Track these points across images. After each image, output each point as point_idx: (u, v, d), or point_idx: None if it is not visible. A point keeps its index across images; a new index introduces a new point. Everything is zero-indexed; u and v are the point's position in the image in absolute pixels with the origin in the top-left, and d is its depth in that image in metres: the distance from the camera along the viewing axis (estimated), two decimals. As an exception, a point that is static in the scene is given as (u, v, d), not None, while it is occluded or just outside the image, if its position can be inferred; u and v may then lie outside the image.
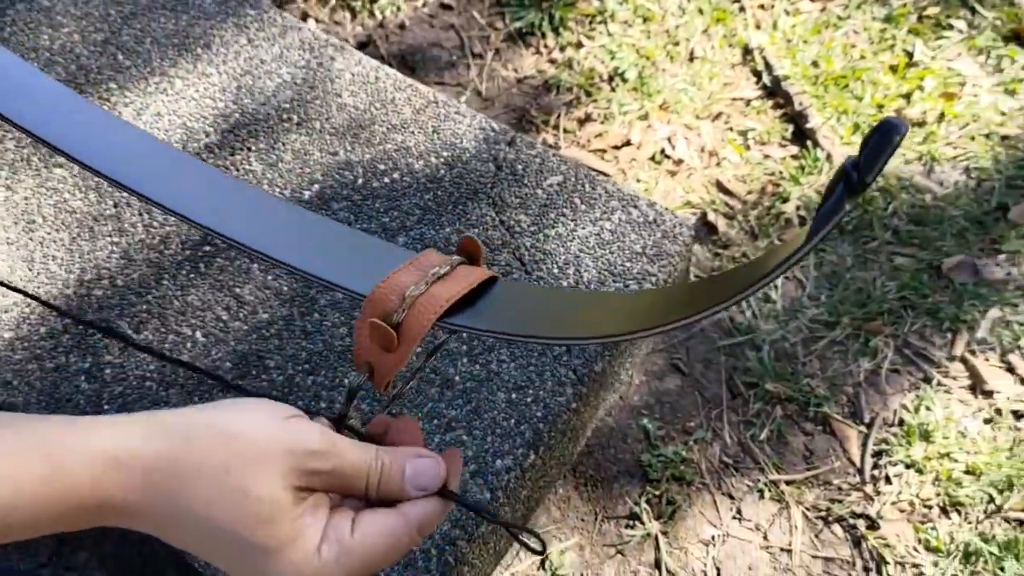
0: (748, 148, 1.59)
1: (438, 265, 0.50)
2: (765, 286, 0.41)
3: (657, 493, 1.23)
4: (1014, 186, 1.49)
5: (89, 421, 0.42)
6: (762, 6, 1.78)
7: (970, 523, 1.19)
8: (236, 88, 1.29)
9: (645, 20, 1.76)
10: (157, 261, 1.11)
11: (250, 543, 0.41)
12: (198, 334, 1.05)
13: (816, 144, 1.56)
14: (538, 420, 1.00)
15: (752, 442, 1.27)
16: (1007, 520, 1.19)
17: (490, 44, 1.77)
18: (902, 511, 1.21)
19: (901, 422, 1.28)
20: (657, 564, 1.18)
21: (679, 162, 1.57)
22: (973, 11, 1.72)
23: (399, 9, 1.83)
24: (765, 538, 1.20)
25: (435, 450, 0.95)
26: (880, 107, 1.60)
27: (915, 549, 1.18)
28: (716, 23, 1.75)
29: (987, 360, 1.32)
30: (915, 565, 1.16)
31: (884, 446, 1.26)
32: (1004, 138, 1.56)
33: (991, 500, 1.20)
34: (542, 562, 1.17)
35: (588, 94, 1.67)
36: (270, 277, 1.09)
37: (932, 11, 1.73)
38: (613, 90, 1.67)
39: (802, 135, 1.59)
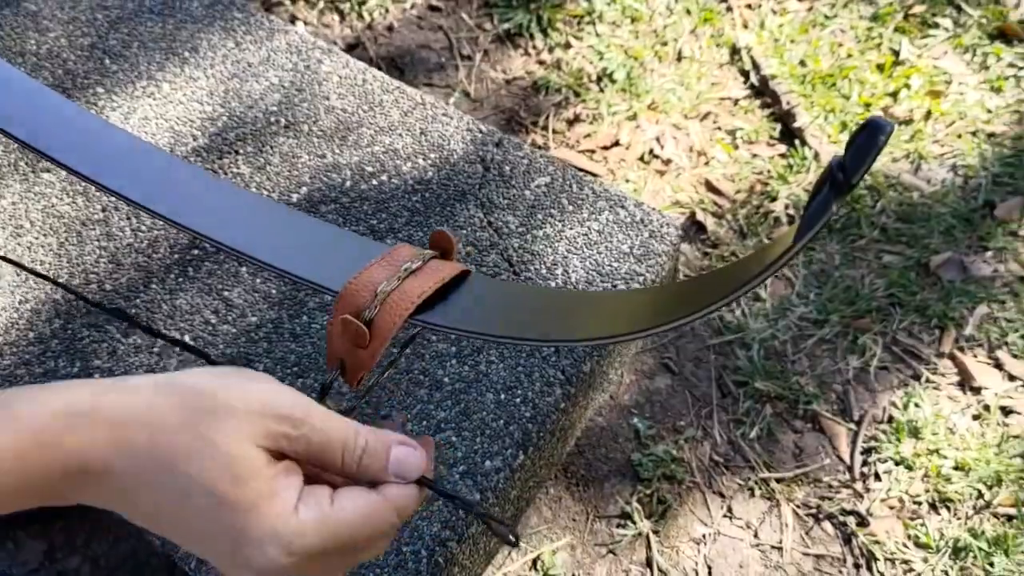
0: (736, 147, 1.59)
1: (410, 260, 0.49)
2: (754, 287, 0.40)
3: (648, 492, 1.23)
4: (1000, 183, 1.50)
5: (56, 384, 0.40)
6: (749, 6, 1.79)
7: (959, 519, 1.19)
8: (224, 92, 1.29)
9: (633, 20, 1.77)
10: (145, 265, 1.11)
11: (224, 500, 0.39)
12: (187, 337, 1.05)
13: (804, 143, 1.56)
14: (527, 420, 1.00)
15: (742, 440, 1.28)
16: (996, 516, 1.19)
17: (479, 45, 1.78)
18: (892, 508, 1.21)
19: (890, 419, 1.28)
20: (648, 563, 1.18)
21: (668, 162, 1.57)
22: (959, 9, 1.73)
23: (387, 11, 1.83)
24: (756, 536, 1.21)
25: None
26: (867, 105, 1.61)
27: (905, 545, 1.18)
28: (704, 23, 1.76)
29: (975, 357, 1.33)
30: (905, 561, 1.17)
31: (873, 443, 1.26)
32: (990, 135, 1.56)
33: (980, 496, 1.21)
34: (534, 562, 1.18)
35: (577, 95, 1.67)
36: (259, 280, 1.09)
37: (918, 9, 1.74)
38: (602, 91, 1.67)
39: (790, 134, 1.60)
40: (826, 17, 1.75)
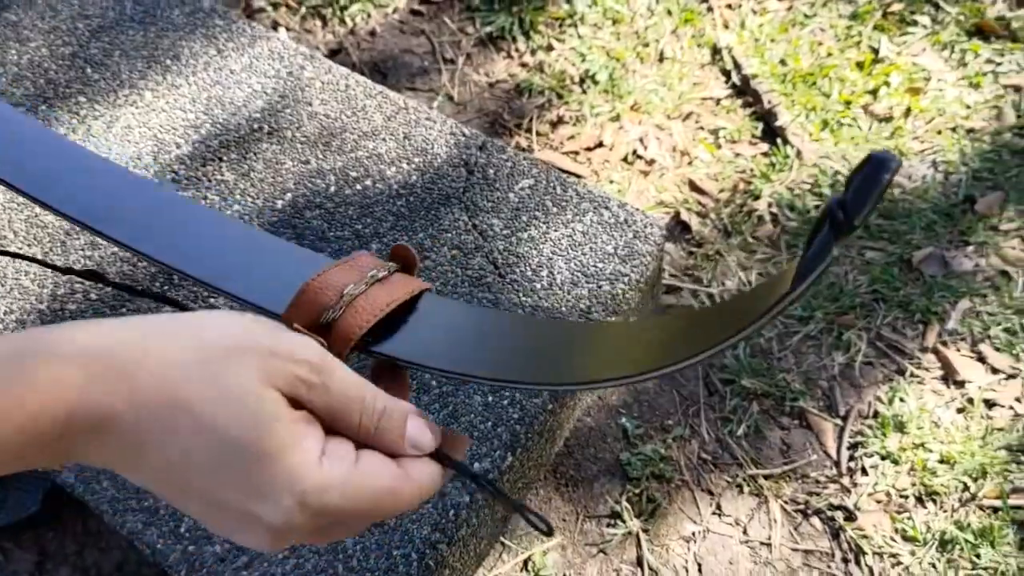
0: (719, 147, 1.60)
1: (375, 268, 0.45)
2: (748, 335, 0.37)
3: (637, 491, 1.24)
4: (980, 178, 1.51)
5: (58, 326, 0.37)
6: (729, 6, 1.80)
7: (945, 512, 1.21)
8: (206, 99, 1.28)
9: (614, 22, 1.77)
10: (131, 273, 1.11)
11: (240, 447, 0.35)
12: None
13: (786, 141, 1.58)
14: (515, 422, 1.01)
15: (730, 438, 1.28)
16: (981, 508, 1.20)
17: (461, 49, 1.78)
18: (879, 502, 1.22)
19: (876, 414, 1.29)
20: (639, 562, 1.19)
21: (651, 162, 1.58)
22: (936, 7, 1.75)
23: (369, 16, 1.83)
24: (745, 533, 1.21)
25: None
26: (848, 103, 1.62)
27: (892, 539, 1.19)
28: (684, 24, 1.77)
29: (958, 350, 1.34)
30: (893, 555, 1.18)
31: (860, 438, 1.27)
32: (969, 131, 1.58)
33: (966, 488, 1.22)
34: (524, 563, 1.18)
35: (560, 97, 1.68)
36: (244, 287, 1.09)
37: (896, 7, 1.75)
38: (584, 92, 1.68)
39: (772, 133, 1.61)
40: (806, 16, 1.76)
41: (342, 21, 1.83)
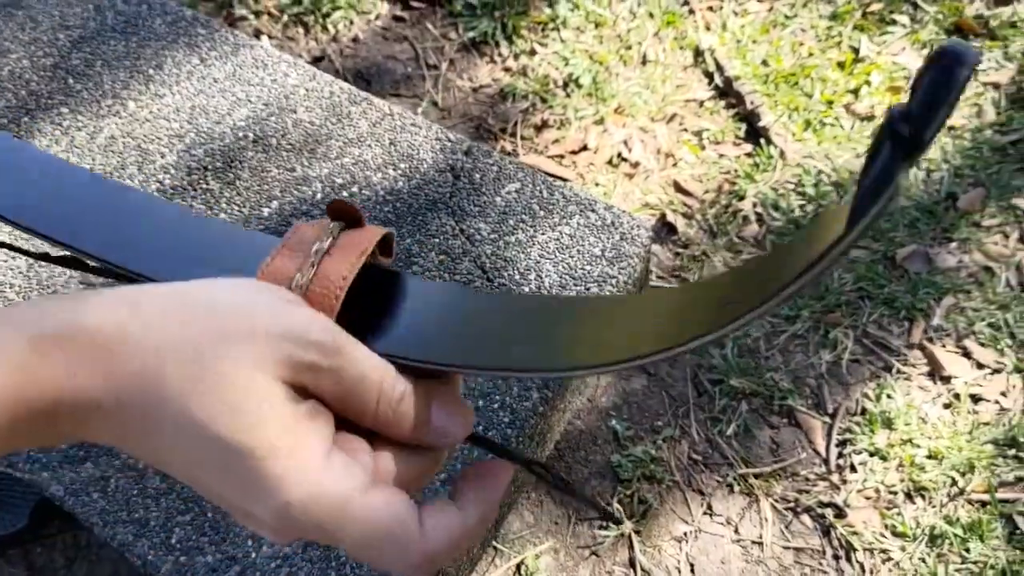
0: (703, 148, 1.61)
1: (317, 239, 0.40)
2: (795, 293, 0.31)
3: (629, 493, 1.24)
4: (961, 175, 1.53)
5: (44, 299, 0.33)
6: (711, 8, 1.81)
7: (934, 507, 1.21)
8: (190, 108, 1.28)
9: (597, 25, 1.78)
10: (114, 284, 1.10)
11: (231, 446, 0.31)
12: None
13: (769, 141, 1.58)
14: (506, 426, 1.01)
15: (720, 438, 1.29)
16: (970, 502, 1.21)
17: (444, 55, 1.78)
18: (868, 498, 1.23)
19: (864, 411, 1.30)
20: (631, 563, 1.19)
21: (636, 164, 1.59)
22: (915, 6, 1.76)
23: (352, 23, 1.83)
24: (736, 532, 1.22)
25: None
26: (830, 103, 1.63)
27: (882, 535, 1.20)
28: (667, 26, 1.78)
29: (944, 346, 1.35)
30: (883, 550, 1.18)
31: (848, 435, 1.28)
32: (950, 128, 1.59)
33: (954, 483, 1.23)
34: (518, 567, 1.18)
35: (544, 101, 1.68)
36: (232, 296, 1.09)
37: (876, 7, 1.77)
38: (568, 96, 1.68)
39: (755, 133, 1.61)
40: (786, 17, 1.78)
41: (324, 28, 1.82)
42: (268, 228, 1.15)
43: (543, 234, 1.15)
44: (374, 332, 0.39)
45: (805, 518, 1.23)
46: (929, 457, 1.25)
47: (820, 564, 1.19)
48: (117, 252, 0.44)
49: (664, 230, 1.52)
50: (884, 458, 1.25)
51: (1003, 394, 1.30)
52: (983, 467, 1.23)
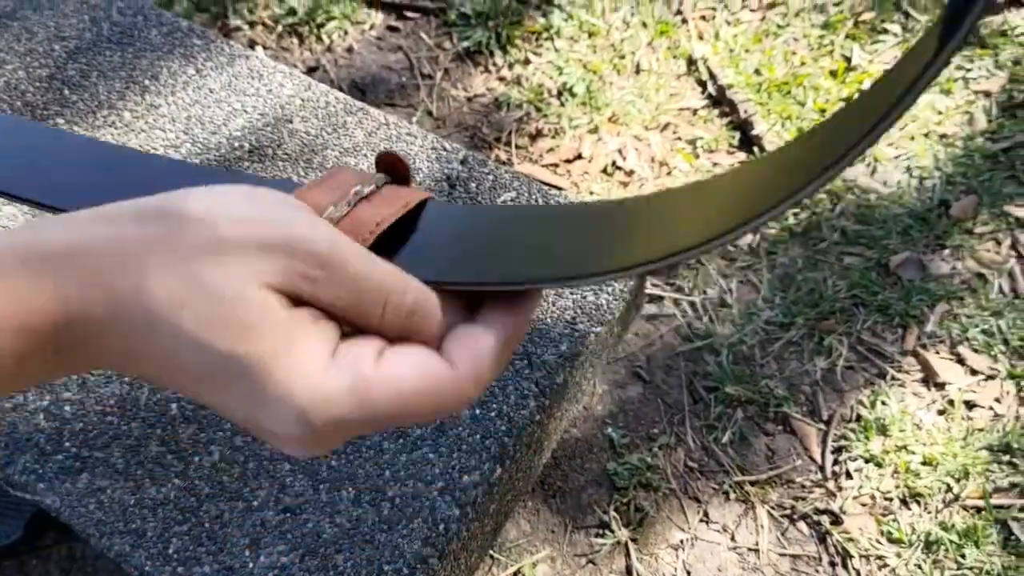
0: (697, 156, 1.62)
1: (360, 183, 0.38)
2: (891, 124, 0.28)
3: (625, 501, 1.24)
4: (953, 182, 1.54)
5: (22, 226, 0.32)
6: (704, 17, 1.82)
7: (930, 513, 1.22)
8: (186, 118, 1.28)
9: (591, 35, 1.79)
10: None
11: (231, 356, 0.30)
12: (158, 366, 1.04)
13: (763, 150, 1.59)
14: (503, 434, 1.01)
15: (715, 445, 1.29)
16: (965, 508, 1.22)
17: (439, 64, 1.79)
18: (864, 505, 1.23)
19: (858, 418, 1.31)
20: (628, 571, 1.19)
21: (630, 173, 1.59)
22: (906, 15, 1.77)
23: (346, 33, 1.84)
24: (733, 539, 1.22)
25: (402, 469, 0.96)
26: (823, 111, 1.64)
27: (878, 541, 1.20)
28: (660, 35, 1.79)
29: (938, 353, 1.36)
30: (879, 557, 1.19)
31: (843, 442, 1.29)
32: (942, 136, 1.60)
33: (949, 489, 1.23)
34: (515, 575, 1.18)
35: (538, 110, 1.69)
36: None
37: (867, 16, 1.78)
38: (563, 105, 1.69)
39: (748, 141, 1.62)
40: (779, 26, 1.79)
41: (319, 39, 1.83)
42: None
43: (539, 243, 1.16)
44: (409, 264, 0.36)
45: (801, 525, 1.23)
46: (924, 463, 1.25)
47: (816, 571, 1.19)
48: (26, 186, 0.42)
49: (659, 238, 1.52)
50: (879, 464, 1.26)
51: (997, 400, 1.30)
52: (978, 473, 1.23)
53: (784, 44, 1.76)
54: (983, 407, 1.30)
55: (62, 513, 0.95)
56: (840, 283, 1.43)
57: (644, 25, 1.80)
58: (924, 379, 1.34)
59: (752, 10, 1.82)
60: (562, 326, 1.08)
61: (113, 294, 0.30)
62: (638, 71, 1.74)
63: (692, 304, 1.43)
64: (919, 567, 1.17)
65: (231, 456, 0.97)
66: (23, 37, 1.38)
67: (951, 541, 1.18)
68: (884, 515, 1.22)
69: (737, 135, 1.64)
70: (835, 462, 1.27)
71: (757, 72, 1.71)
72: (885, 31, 1.75)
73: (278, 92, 1.32)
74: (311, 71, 1.78)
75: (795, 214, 1.51)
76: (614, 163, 1.60)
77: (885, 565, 1.18)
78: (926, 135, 1.60)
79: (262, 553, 0.92)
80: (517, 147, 1.65)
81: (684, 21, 1.81)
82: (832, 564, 1.20)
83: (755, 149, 1.60)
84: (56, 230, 0.31)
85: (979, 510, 1.21)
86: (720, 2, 1.83)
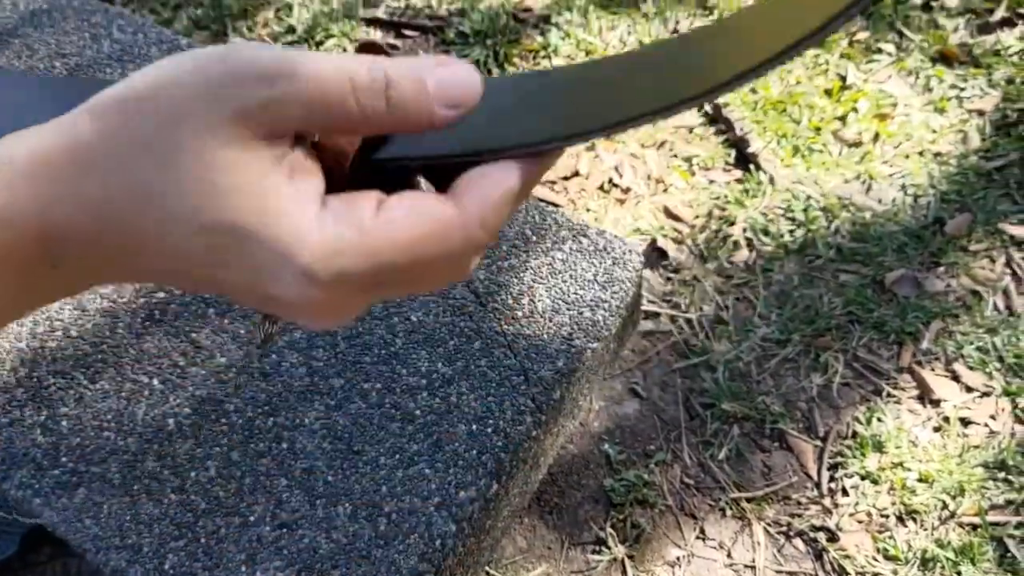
0: (693, 174, 1.63)
1: None
2: None
3: (621, 517, 1.24)
4: (948, 200, 1.54)
5: None
6: (700, 36, 1.84)
7: (926, 530, 1.22)
8: (185, 135, 1.29)
9: (587, 54, 1.80)
10: (111, 310, 1.11)
11: (219, 226, 0.28)
12: (155, 381, 1.05)
13: (758, 167, 1.60)
14: (500, 450, 1.01)
15: (712, 461, 1.29)
16: (961, 525, 1.22)
17: (437, 82, 1.80)
18: (860, 522, 1.23)
19: (854, 434, 1.31)
20: (624, 588, 1.19)
21: (627, 190, 1.60)
22: (900, 35, 1.79)
23: (345, 51, 1.85)
24: (729, 556, 1.22)
25: (398, 484, 0.96)
26: (818, 130, 1.65)
27: (874, 559, 1.20)
28: (656, 54, 1.80)
29: (933, 370, 1.36)
30: (876, 574, 1.19)
31: (839, 459, 1.29)
32: (936, 155, 1.61)
33: (945, 506, 1.23)
34: (510, 593, 1.18)
35: (535, 127, 1.70)
36: (226, 320, 1.09)
37: (862, 36, 1.79)
38: (559, 123, 1.70)
39: (744, 159, 1.63)
40: (774, 45, 1.80)
41: (318, 56, 1.84)
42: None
43: (536, 259, 1.16)
44: (419, 139, 0.33)
45: (797, 542, 1.23)
46: (920, 480, 1.25)
47: (813, 588, 1.19)
48: None
49: (655, 255, 1.53)
50: (875, 481, 1.26)
51: (992, 417, 1.31)
52: (973, 490, 1.23)
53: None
54: (978, 424, 1.30)
55: (58, 528, 0.95)
56: (836, 300, 1.44)
57: (641, 44, 1.81)
58: (920, 396, 1.34)
59: (748, 29, 1.84)
60: (559, 342, 1.09)
61: (86, 197, 0.29)
62: (635, 89, 1.75)
63: (688, 321, 1.44)
64: (915, 584, 1.17)
65: (227, 471, 0.97)
66: (24, 54, 1.39)
67: (947, 558, 1.18)
68: (880, 532, 1.22)
69: (733, 153, 1.65)
70: (831, 479, 1.27)
71: (753, 91, 1.72)
72: (879, 50, 1.77)
73: (277, 109, 1.33)
74: (310, 88, 1.79)
75: (790, 231, 1.52)
76: (611, 180, 1.61)
77: (881, 582, 1.18)
78: (920, 153, 1.62)
79: (258, 569, 0.92)
80: (514, 164, 1.65)
81: (680, 40, 1.83)
82: (828, 581, 1.20)
83: (751, 167, 1.61)
84: (13, 144, 0.29)
85: (975, 527, 1.21)
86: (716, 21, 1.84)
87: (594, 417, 1.33)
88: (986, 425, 1.30)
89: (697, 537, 1.23)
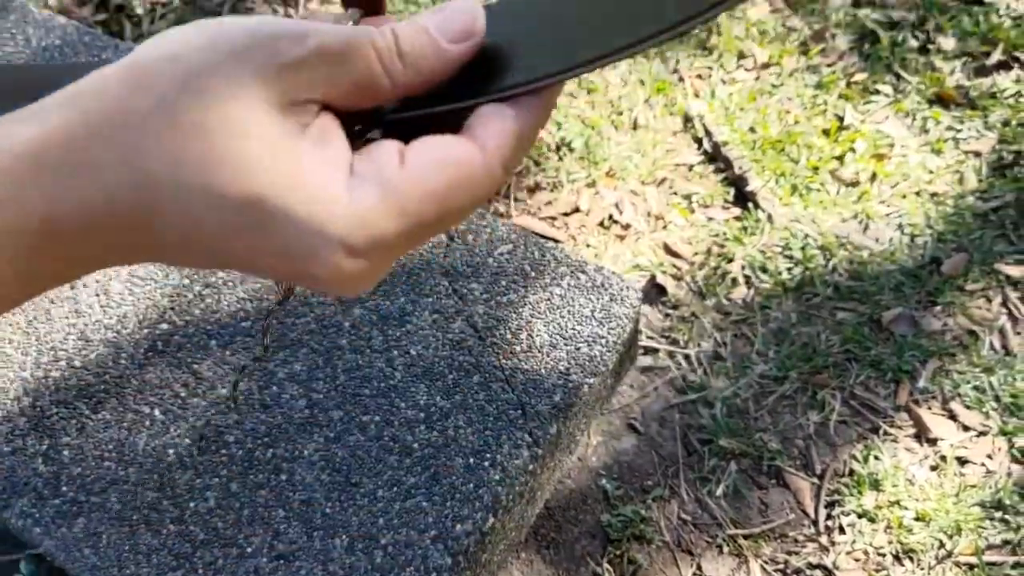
0: (692, 211, 1.64)
1: (335, 21, 0.35)
2: None
3: (618, 553, 1.24)
4: (944, 240, 1.56)
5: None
6: (699, 76, 1.86)
7: (923, 569, 1.22)
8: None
9: (589, 91, 1.83)
10: (114, 341, 1.12)
11: (244, 200, 0.27)
12: (156, 411, 1.06)
13: (757, 206, 1.62)
14: (496, 484, 1.02)
15: (709, 498, 1.30)
16: (958, 565, 1.22)
17: (440, 118, 1.82)
18: (857, 560, 1.23)
19: (851, 472, 1.31)
20: (621, 624, 1.19)
21: (627, 227, 1.62)
22: (898, 76, 1.82)
23: None
24: (725, 593, 1.22)
25: (395, 517, 0.96)
26: (816, 169, 1.67)
27: (871, 597, 1.20)
28: (657, 93, 1.83)
29: (930, 409, 1.37)
30: (872, 613, 1.19)
31: (836, 496, 1.29)
32: (933, 195, 1.63)
33: (942, 546, 1.23)
34: (506, 628, 1.18)
35: (537, 164, 1.72)
36: (228, 352, 1.11)
37: (859, 77, 1.82)
38: (561, 159, 1.72)
39: (743, 197, 1.65)
40: (773, 86, 1.83)
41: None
42: (260, 282, 1.17)
43: (534, 294, 1.18)
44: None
45: (794, 580, 1.23)
46: (917, 519, 1.25)
47: (809, 626, 1.19)
48: None
49: (654, 291, 1.55)
50: (872, 520, 1.26)
51: (989, 456, 1.31)
52: (970, 530, 1.23)
53: (778, 103, 1.80)
54: (975, 463, 1.31)
55: (57, 558, 0.95)
56: (833, 338, 1.45)
57: (642, 83, 1.84)
58: (916, 434, 1.35)
59: (747, 70, 1.87)
60: (556, 377, 1.10)
61: (99, 178, 0.27)
62: (635, 127, 1.78)
63: (687, 357, 1.45)
64: (912, 624, 1.17)
65: (226, 503, 0.97)
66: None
67: (944, 598, 1.18)
68: (877, 571, 1.22)
69: (732, 191, 1.66)
70: (828, 516, 1.28)
71: (752, 130, 1.74)
72: (877, 91, 1.79)
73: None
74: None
75: (788, 269, 1.54)
76: (611, 217, 1.63)
77: (878, 621, 1.18)
78: (917, 193, 1.63)
79: (254, 600, 0.92)
80: (516, 199, 1.68)
81: (680, 79, 1.86)
82: (825, 620, 1.19)
83: (750, 205, 1.63)
84: (22, 128, 0.27)
85: (972, 567, 1.21)
86: (716, 62, 1.87)
87: (592, 452, 1.34)
88: (983, 464, 1.30)
89: (694, 574, 1.23)
